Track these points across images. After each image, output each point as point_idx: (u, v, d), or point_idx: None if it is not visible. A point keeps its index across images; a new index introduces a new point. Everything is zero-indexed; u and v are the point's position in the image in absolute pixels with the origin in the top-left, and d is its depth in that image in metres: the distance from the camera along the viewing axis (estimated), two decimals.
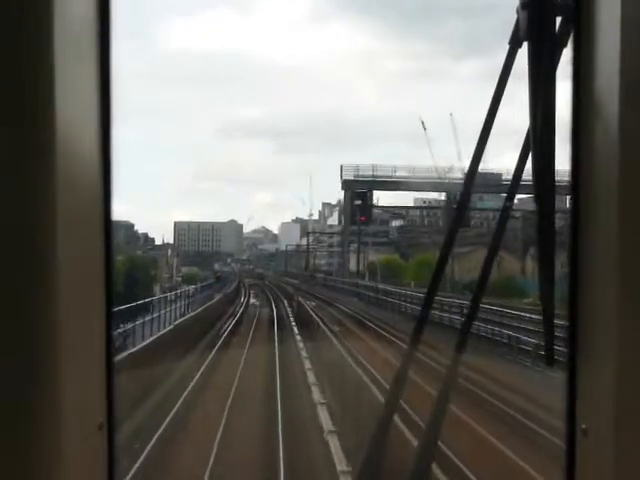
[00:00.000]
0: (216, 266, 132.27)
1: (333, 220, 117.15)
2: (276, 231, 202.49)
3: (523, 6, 2.02)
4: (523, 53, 2.07)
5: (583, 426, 1.59)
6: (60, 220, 1.35)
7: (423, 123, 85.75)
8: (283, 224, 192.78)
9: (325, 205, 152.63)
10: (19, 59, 1.31)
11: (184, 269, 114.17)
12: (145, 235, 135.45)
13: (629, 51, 1.43)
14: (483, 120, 2.34)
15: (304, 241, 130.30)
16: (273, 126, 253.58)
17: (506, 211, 2.56)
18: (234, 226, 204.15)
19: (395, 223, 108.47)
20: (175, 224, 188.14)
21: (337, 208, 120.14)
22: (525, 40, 2.03)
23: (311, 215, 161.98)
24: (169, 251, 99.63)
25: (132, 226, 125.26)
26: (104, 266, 1.55)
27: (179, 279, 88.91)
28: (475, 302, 2.62)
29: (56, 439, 1.38)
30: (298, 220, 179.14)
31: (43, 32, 1.30)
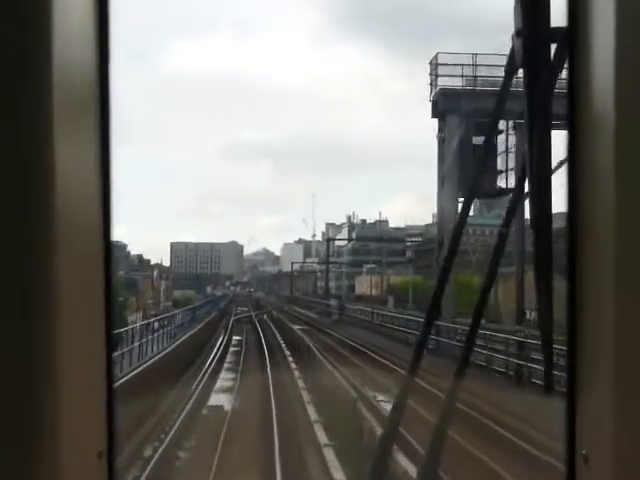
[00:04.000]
0: (208, 289, 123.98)
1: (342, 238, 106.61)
2: (278, 253, 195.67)
3: (518, 33, 2.03)
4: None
5: (584, 452, 1.59)
6: (60, 242, 1.35)
7: (438, 139, 79.84)
8: (286, 245, 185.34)
9: (329, 225, 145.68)
10: (15, 81, 1.32)
11: (177, 293, 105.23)
12: (139, 256, 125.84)
13: (624, 76, 1.46)
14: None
15: (308, 260, 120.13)
16: (275, 148, 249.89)
17: (502, 238, 2.55)
18: (234, 247, 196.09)
19: (412, 242, 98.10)
20: (172, 245, 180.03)
21: (346, 225, 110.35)
22: (521, 67, 2.06)
23: (314, 236, 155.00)
24: (155, 273, 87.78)
25: (124, 247, 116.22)
26: (104, 288, 1.54)
27: (169, 304, 77.84)
28: (474, 327, 2.63)
29: (55, 468, 1.37)
30: (301, 241, 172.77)
31: (42, 50, 1.32)
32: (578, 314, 1.60)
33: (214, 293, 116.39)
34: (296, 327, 49.37)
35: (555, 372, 2.05)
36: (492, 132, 2.54)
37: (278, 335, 46.92)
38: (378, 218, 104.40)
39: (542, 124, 1.98)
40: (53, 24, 1.35)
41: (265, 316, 69.65)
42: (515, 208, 2.42)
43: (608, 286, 1.48)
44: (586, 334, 1.58)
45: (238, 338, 50.63)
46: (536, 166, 2.00)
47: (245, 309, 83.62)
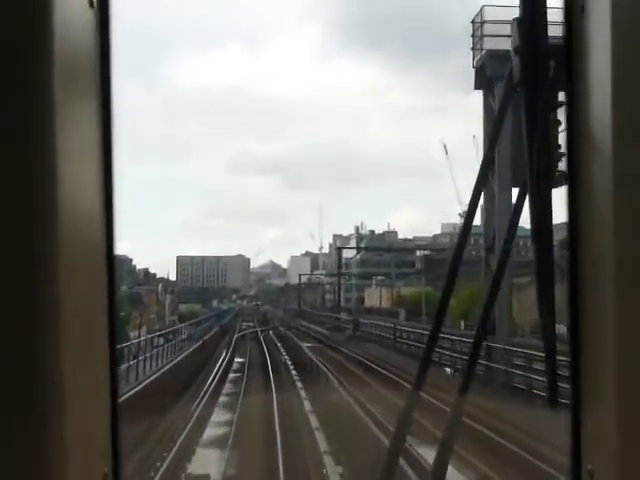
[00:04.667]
0: (214, 303, 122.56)
1: (351, 251, 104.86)
2: (285, 266, 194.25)
3: (515, 51, 2.06)
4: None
5: (589, 467, 1.58)
6: (62, 256, 1.34)
7: (445, 147, 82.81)
8: (293, 257, 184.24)
9: (336, 237, 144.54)
10: (18, 93, 1.32)
11: (183, 307, 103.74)
12: (145, 270, 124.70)
13: (621, 93, 1.47)
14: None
15: (316, 272, 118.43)
16: (281, 160, 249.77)
17: (505, 255, 2.59)
18: (241, 260, 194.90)
19: (421, 252, 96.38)
20: (178, 258, 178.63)
21: (354, 237, 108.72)
22: (520, 84, 2.09)
23: (321, 248, 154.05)
24: (160, 287, 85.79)
25: (130, 261, 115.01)
26: (107, 303, 1.53)
27: (174, 318, 76.01)
28: (478, 340, 2.67)
29: None
30: (308, 254, 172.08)
31: (43, 67, 1.32)
32: (581, 328, 1.60)
33: (220, 307, 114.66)
34: (306, 345, 44.68)
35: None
36: (549, 105, 2.02)
37: (285, 355, 41.24)
38: (387, 229, 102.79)
39: (542, 140, 2.00)
40: (53, 16, 1.33)
41: (271, 332, 63.92)
42: (516, 224, 2.41)
43: (610, 299, 1.48)
44: (589, 348, 1.58)
45: (240, 360, 43.46)
46: (536, 180, 2.02)
47: (251, 324, 77.86)
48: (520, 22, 2.04)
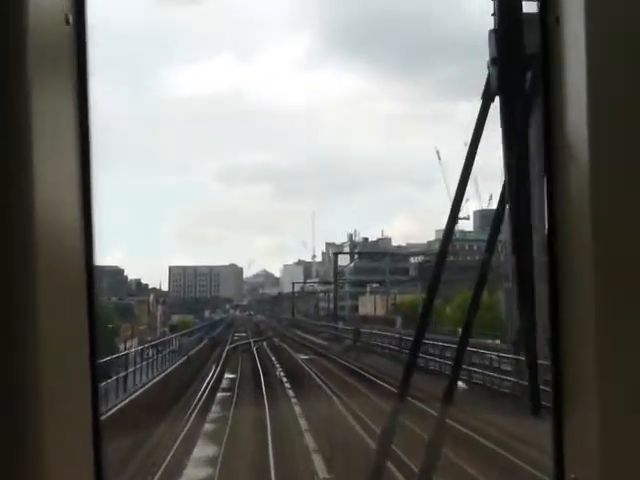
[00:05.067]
0: (206, 313, 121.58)
1: (345, 259, 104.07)
2: (278, 274, 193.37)
3: (493, 61, 2.10)
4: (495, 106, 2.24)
5: (572, 476, 1.58)
6: (40, 267, 1.32)
7: (438, 153, 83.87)
8: (286, 266, 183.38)
9: (329, 245, 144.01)
10: None
11: (175, 317, 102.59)
12: (137, 281, 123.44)
13: (597, 102, 1.50)
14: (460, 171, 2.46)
15: (309, 281, 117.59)
16: (273, 169, 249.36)
17: (486, 265, 2.55)
18: (234, 270, 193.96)
19: (415, 259, 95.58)
20: (170, 268, 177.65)
21: (347, 244, 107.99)
22: (497, 94, 2.13)
23: (314, 257, 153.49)
24: (151, 297, 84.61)
25: (121, 271, 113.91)
26: (87, 315, 1.49)
27: (166, 329, 74.89)
28: (462, 346, 2.77)
29: None
30: (301, 262, 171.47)
31: (19, 80, 1.30)
32: (562, 338, 1.60)
33: (212, 317, 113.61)
34: (302, 357, 41.24)
35: None
36: (526, 115, 2.07)
37: (280, 369, 38.12)
38: (380, 236, 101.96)
39: (519, 149, 2.00)
40: (28, 34, 1.31)
41: (265, 343, 60.90)
42: (497, 233, 2.39)
43: (589, 308, 1.49)
44: (571, 355, 1.58)
45: (230, 377, 38.74)
46: (515, 189, 2.02)
47: (244, 334, 75.25)
48: (497, 33, 2.03)
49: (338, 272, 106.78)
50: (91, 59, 1.51)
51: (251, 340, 65.37)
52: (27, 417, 1.28)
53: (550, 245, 1.62)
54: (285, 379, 33.64)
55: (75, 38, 1.48)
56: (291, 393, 28.02)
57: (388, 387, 24.09)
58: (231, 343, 62.42)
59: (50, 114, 1.38)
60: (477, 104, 2.30)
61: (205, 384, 33.90)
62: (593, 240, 1.48)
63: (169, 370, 31.12)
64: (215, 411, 27.29)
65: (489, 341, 35.09)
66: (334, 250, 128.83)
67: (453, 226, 2.66)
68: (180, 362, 35.17)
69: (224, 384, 36.07)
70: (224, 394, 31.95)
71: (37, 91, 1.31)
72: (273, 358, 47.05)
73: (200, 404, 28.11)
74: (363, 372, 32.01)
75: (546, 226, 1.65)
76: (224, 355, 49.56)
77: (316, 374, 32.71)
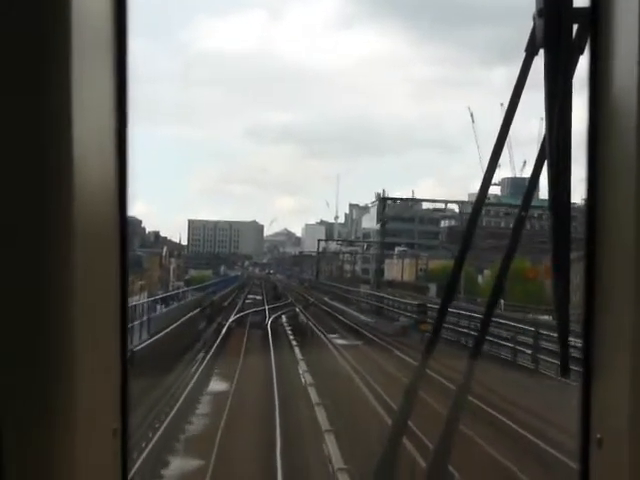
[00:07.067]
0: (221, 269, 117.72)
1: (371, 220, 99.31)
2: (299, 234, 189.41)
3: (539, 13, 2.02)
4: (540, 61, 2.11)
5: (598, 436, 1.59)
6: (77, 217, 1.37)
7: (472, 114, 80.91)
8: (308, 226, 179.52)
9: (352, 207, 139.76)
10: (36, 64, 1.35)
11: (193, 272, 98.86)
12: (156, 233, 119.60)
13: None
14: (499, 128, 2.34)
15: (330, 244, 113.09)
16: (299, 130, 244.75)
17: (520, 222, 2.54)
18: (254, 227, 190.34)
19: (446, 223, 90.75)
20: (189, 222, 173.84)
21: (374, 205, 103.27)
22: (541, 48, 2.05)
23: (337, 218, 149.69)
24: (164, 249, 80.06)
25: (139, 222, 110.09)
26: (119, 264, 1.55)
27: (180, 284, 70.62)
28: (488, 315, 2.71)
29: (70, 445, 1.38)
30: (323, 223, 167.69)
31: (60, 35, 1.35)
32: (594, 300, 1.59)
33: (227, 273, 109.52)
34: (339, 342, 26.91)
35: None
36: (571, 70, 1.95)
37: (308, 374, 19.97)
38: (411, 196, 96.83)
39: (562, 106, 1.94)
40: None
41: (284, 317, 42.40)
42: (532, 193, 2.38)
43: (626, 272, 1.48)
44: (602, 319, 1.58)
45: (221, 389, 20.81)
46: (555, 149, 1.96)
47: (258, 297, 60.91)
48: None
49: (363, 235, 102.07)
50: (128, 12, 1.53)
51: (266, 307, 48.54)
52: (58, 354, 1.34)
53: (588, 207, 1.58)
54: (324, 415, 15.17)
55: None
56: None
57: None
58: (238, 312, 45.27)
59: (88, 63, 1.40)
60: (513, 68, 2.23)
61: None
62: (635, 201, 1.43)
63: None
64: None
65: (546, 317, 30.32)
66: (357, 212, 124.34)
67: (487, 189, 2.51)
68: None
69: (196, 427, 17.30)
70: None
71: (77, 41, 1.34)
72: (295, 345, 28.68)
73: None
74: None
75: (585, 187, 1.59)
76: (221, 335, 32.40)
77: (381, 396, 15.75)
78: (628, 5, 1.46)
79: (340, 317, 41.42)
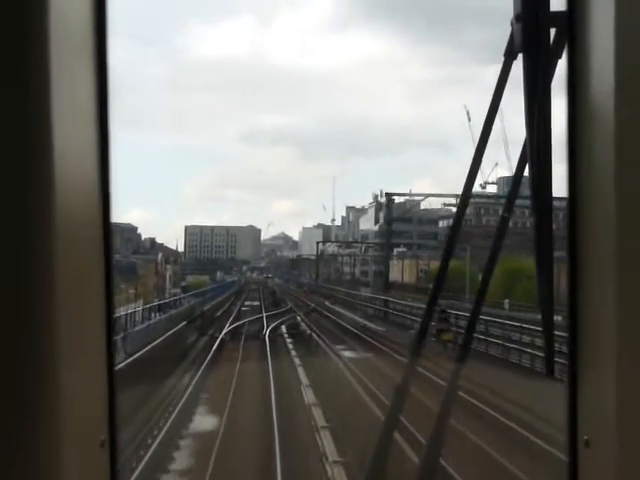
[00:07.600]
0: (218, 275, 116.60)
1: (368, 222, 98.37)
2: (296, 238, 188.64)
3: (517, 18, 2.03)
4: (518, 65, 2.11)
5: (585, 437, 1.59)
6: (59, 224, 1.35)
7: (468, 113, 78.38)
8: (305, 229, 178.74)
9: (349, 209, 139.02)
10: (16, 65, 1.33)
11: (191, 278, 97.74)
12: (151, 240, 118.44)
13: (623, 61, 1.47)
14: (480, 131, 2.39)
15: (327, 246, 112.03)
16: (295, 132, 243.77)
17: (504, 222, 2.54)
18: (251, 231, 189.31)
19: (444, 223, 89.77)
20: (186, 228, 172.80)
21: (371, 206, 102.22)
22: (520, 52, 2.06)
23: (333, 220, 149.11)
24: (159, 256, 78.82)
25: (134, 229, 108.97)
26: (104, 272, 1.53)
27: (177, 290, 69.45)
28: (475, 313, 2.62)
29: (57, 457, 1.37)
30: (320, 226, 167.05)
31: (40, 36, 1.33)
32: (579, 299, 1.60)
33: (224, 279, 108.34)
34: (347, 355, 24.08)
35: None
36: (549, 74, 1.99)
37: (320, 410, 17.09)
38: (408, 198, 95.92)
39: (542, 108, 1.94)
40: None
41: (284, 326, 39.10)
42: (516, 193, 2.40)
43: (609, 272, 1.48)
44: (587, 319, 1.58)
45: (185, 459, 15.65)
46: (536, 151, 1.97)
47: (256, 304, 57.40)
48: None
49: (361, 236, 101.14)
50: (113, 18, 1.52)
51: (264, 315, 45.02)
52: (44, 371, 1.31)
53: (570, 207, 1.58)
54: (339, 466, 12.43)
55: None
56: None
57: None
58: (233, 322, 41.29)
59: (68, 71, 1.38)
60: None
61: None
62: (616, 202, 1.44)
63: None
64: None
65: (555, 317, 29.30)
66: (354, 214, 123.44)
67: (471, 188, 2.48)
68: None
69: None
70: None
71: (55, 47, 1.32)
72: (298, 364, 24.45)
73: None
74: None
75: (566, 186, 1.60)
76: (212, 352, 28.08)
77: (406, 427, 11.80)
78: (604, 9, 1.48)
79: (344, 323, 38.10)
